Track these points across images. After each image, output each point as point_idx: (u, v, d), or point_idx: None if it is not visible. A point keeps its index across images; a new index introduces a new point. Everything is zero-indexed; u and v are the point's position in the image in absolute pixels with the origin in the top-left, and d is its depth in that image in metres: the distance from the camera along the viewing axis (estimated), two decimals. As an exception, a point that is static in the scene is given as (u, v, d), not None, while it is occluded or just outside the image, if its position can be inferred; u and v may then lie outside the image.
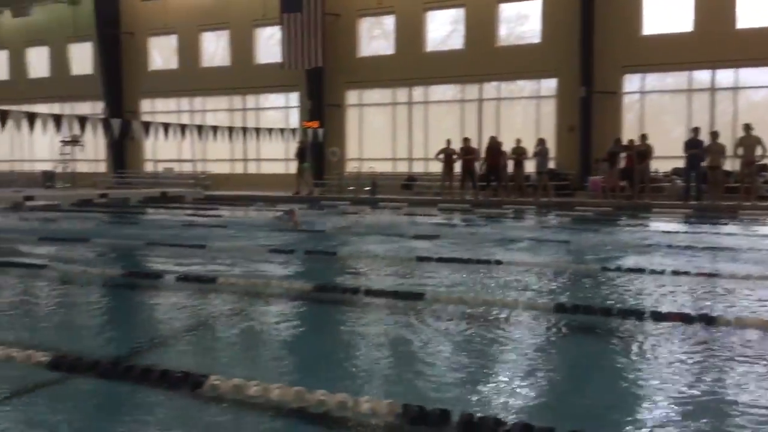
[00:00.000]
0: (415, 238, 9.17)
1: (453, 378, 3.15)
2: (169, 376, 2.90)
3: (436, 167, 19.89)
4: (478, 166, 18.85)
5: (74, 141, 23.78)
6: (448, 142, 19.10)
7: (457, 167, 19.00)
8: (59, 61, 28.75)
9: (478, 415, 2.33)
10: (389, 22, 23.43)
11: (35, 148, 28.77)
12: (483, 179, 18.86)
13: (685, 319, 4.03)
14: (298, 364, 3.54)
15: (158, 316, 4.66)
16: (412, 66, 22.53)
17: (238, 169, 26.38)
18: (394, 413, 2.32)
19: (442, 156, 19.06)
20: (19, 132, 13.90)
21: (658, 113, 20.97)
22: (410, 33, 22.85)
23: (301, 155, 20.96)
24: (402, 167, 23.59)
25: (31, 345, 3.42)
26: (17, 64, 29.75)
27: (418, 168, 23.22)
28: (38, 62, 29.44)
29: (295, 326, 4.43)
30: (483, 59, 21.63)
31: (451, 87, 23.23)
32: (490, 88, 22.45)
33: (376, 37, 24.02)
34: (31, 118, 12.84)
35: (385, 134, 23.87)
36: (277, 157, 24.57)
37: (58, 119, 13.44)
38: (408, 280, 5.93)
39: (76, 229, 10.58)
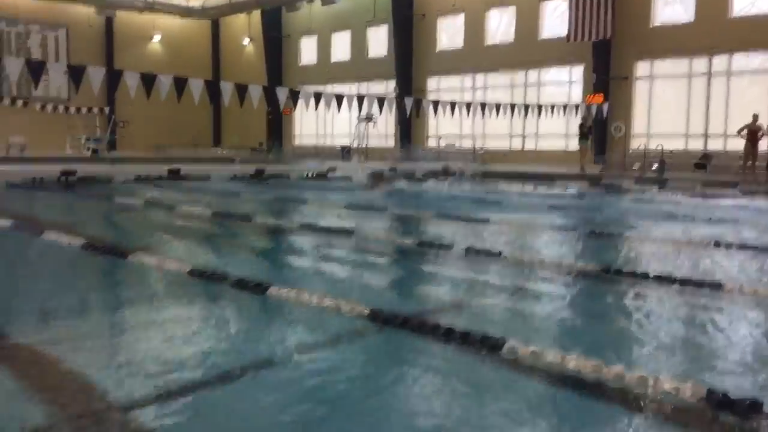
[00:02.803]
0: (710, 223, 8.51)
1: (755, 370, 2.98)
2: (470, 338, 3.21)
3: (737, 145, 17.93)
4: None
5: (368, 118, 25.99)
6: (755, 117, 17.08)
7: (764, 145, 16.95)
8: (359, 44, 31.51)
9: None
10: (689, -15, 21.48)
11: (335, 125, 32.05)
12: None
13: None
14: (588, 338, 3.61)
15: (450, 283, 5.05)
16: (713, 33, 20.46)
17: (516, 145, 26.55)
18: (697, 397, 2.32)
19: (745, 132, 17.14)
20: (329, 111, 15.67)
21: None
22: (712, -3, 20.73)
23: (584, 132, 20.42)
24: (695, 145, 21.68)
25: (352, 298, 4.00)
26: (324, 48, 33.28)
27: (715, 146, 21.14)
28: (340, 46, 32.59)
29: (583, 304, 4.49)
30: (803, 21, 18.82)
31: (760, 55, 20.60)
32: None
33: (672, 3, 22.19)
34: (339, 98, 14.44)
35: (678, 108, 22.10)
36: (557, 134, 24.21)
37: (360, 99, 14.92)
38: (703, 266, 5.59)
39: (373, 200, 11.70)
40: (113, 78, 12.42)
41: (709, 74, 21.33)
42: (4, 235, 7.03)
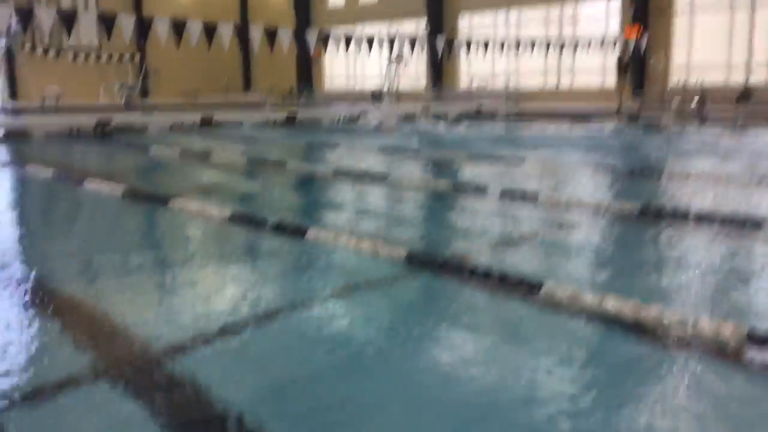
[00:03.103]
0: (755, 157, 8.31)
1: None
2: (508, 280, 3.23)
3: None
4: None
5: (399, 59, 25.60)
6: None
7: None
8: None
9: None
10: None
11: (366, 67, 31.67)
12: None
13: None
14: (627, 279, 3.61)
15: (485, 225, 5.05)
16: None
17: (551, 82, 25.98)
18: (738, 336, 2.32)
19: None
20: (358, 53, 15.48)
21: None
22: None
23: (621, 68, 19.85)
24: (737, 78, 20.95)
25: (389, 241, 4.04)
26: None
27: (758, 78, 20.41)
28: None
29: (621, 245, 4.47)
30: None
31: (810, -20, 19.61)
32: None
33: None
34: (369, 40, 14.23)
35: (720, 40, 21.28)
36: (593, 70, 23.60)
37: (391, 40, 14.68)
38: (744, 204, 5.49)
39: (405, 142, 11.64)
40: (143, 25, 12.41)
41: (753, 2, 20.42)
42: (48, 184, 7.22)
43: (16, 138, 12.68)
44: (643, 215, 4.97)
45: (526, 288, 3.12)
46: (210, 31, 12.15)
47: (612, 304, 2.74)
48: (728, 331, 2.36)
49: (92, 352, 2.57)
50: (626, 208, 5.18)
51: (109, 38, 12.21)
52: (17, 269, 3.78)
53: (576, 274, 3.59)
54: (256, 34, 12.91)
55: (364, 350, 2.57)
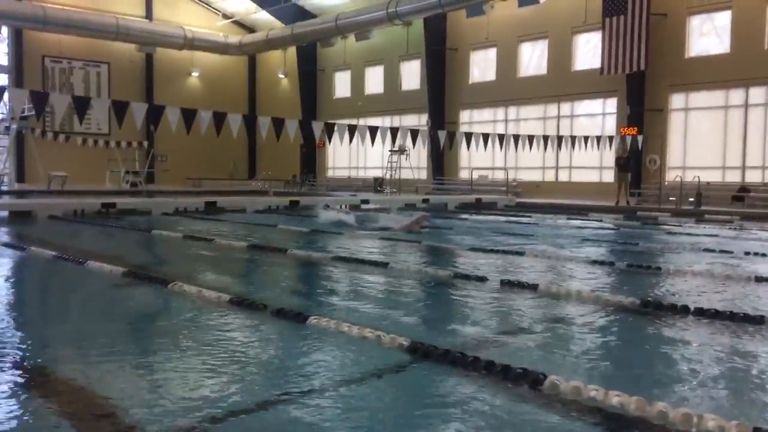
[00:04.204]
0: (751, 255, 8.37)
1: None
2: (511, 372, 3.20)
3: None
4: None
5: (401, 150, 26.20)
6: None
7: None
8: (391, 78, 31.91)
9: None
10: (723, 17, 21.37)
11: (368, 157, 32.35)
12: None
13: None
14: (628, 374, 3.58)
15: (491, 315, 5.04)
16: (750, 64, 20.29)
17: (549, 177, 26.47)
18: (743, 435, 2.29)
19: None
20: (362, 144, 15.84)
21: None
22: (748, 28, 20.59)
23: (621, 165, 20.31)
24: (733, 177, 21.36)
25: (391, 330, 4.03)
26: (357, 82, 33.75)
27: (753, 178, 20.80)
28: (374, 80, 33.02)
29: (621, 338, 4.46)
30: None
31: (799, 86, 20.33)
32: None
33: (707, 34, 22.08)
34: (373, 131, 14.62)
35: (715, 140, 21.84)
36: (590, 166, 24.10)
37: (393, 132, 15.08)
38: (743, 301, 5.49)
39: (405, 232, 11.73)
40: (155, 113, 12.78)
41: (746, 105, 21.09)
42: (49, 264, 7.24)
43: (20, 218, 12.81)
44: (643, 309, 4.97)
45: (529, 380, 3.09)
46: (219, 120, 12.51)
47: (617, 399, 2.72)
48: (733, 430, 2.33)
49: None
50: (625, 301, 5.18)
51: (120, 125, 12.52)
52: (14, 351, 3.75)
53: (577, 367, 3.56)
54: (264, 124, 13.28)
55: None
